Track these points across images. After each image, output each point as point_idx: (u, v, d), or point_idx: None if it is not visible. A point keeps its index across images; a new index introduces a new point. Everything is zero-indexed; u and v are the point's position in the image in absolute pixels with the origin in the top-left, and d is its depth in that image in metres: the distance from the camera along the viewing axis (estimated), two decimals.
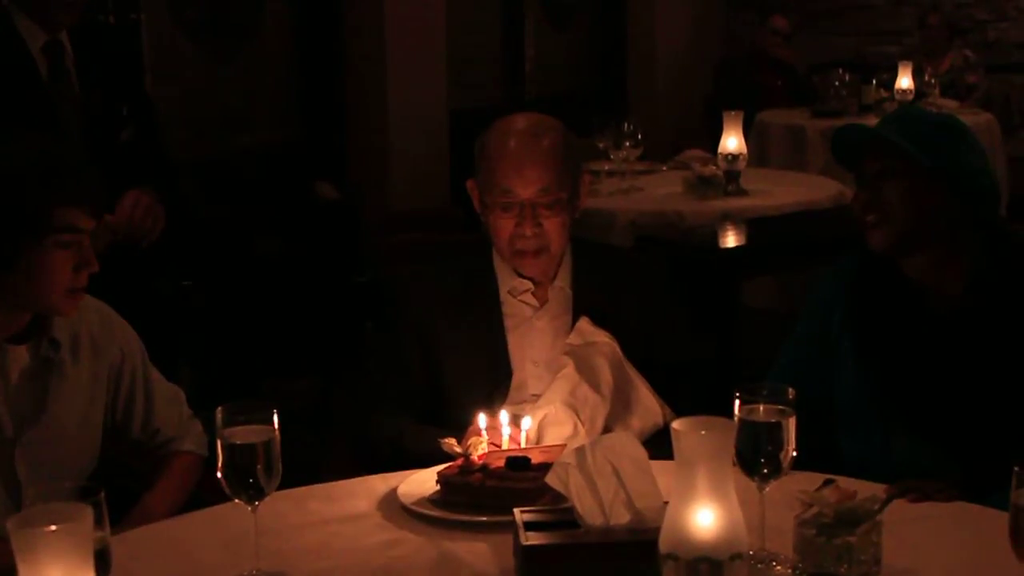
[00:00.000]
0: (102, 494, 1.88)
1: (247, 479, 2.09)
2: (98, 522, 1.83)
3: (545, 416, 2.75)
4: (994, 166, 7.83)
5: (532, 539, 2.09)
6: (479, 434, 2.55)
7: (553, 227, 2.93)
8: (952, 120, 2.84)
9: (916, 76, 7.98)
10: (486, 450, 2.51)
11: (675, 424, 1.73)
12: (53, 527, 1.65)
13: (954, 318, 2.71)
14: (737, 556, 1.71)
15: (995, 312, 2.69)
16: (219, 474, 2.10)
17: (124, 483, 2.72)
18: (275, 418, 2.10)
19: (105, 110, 3.69)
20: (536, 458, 2.44)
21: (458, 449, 2.50)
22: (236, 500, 2.12)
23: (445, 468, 2.48)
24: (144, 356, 2.81)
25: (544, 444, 2.65)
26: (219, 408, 2.11)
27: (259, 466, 2.08)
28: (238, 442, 2.09)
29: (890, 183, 2.71)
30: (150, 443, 2.81)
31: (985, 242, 2.74)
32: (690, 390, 2.90)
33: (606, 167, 5.86)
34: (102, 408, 2.73)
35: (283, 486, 2.17)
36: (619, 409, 2.85)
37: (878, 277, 2.80)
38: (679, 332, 3.05)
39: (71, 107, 3.62)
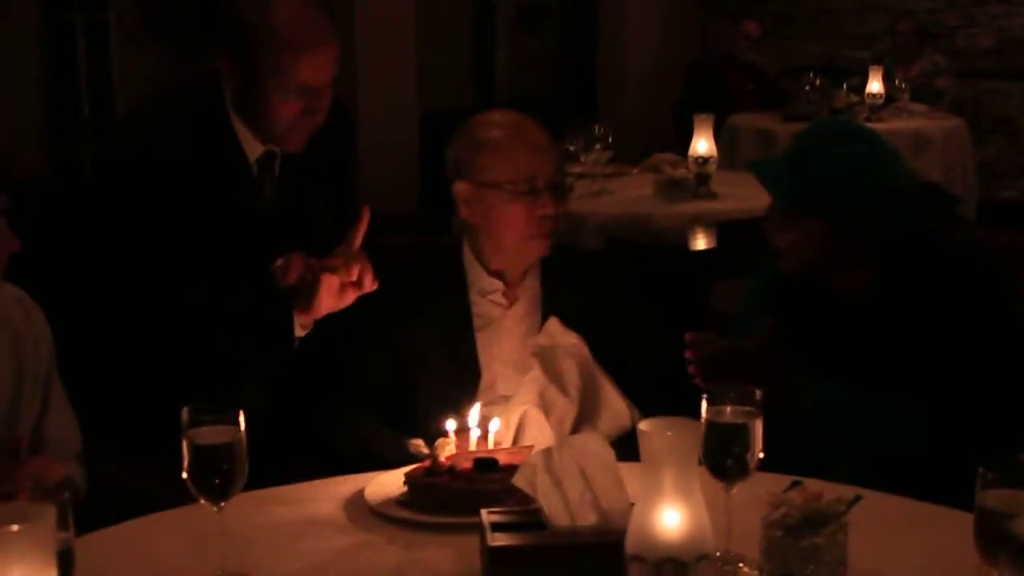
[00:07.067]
0: (67, 494, 1.86)
1: (212, 480, 2.07)
2: (62, 523, 1.81)
3: (523, 416, 2.76)
4: (963, 172, 7.86)
5: (498, 540, 2.08)
6: (447, 436, 2.55)
7: (563, 207, 2.97)
8: (858, 157, 2.78)
9: (886, 80, 8.00)
10: (453, 451, 2.51)
11: (641, 425, 1.72)
12: (15, 527, 1.63)
13: (867, 318, 2.76)
14: (703, 557, 1.70)
15: (906, 311, 2.72)
16: (184, 474, 2.08)
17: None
18: (241, 419, 2.09)
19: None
20: (503, 459, 2.44)
21: (425, 450, 2.50)
22: (201, 500, 2.10)
23: (412, 469, 2.47)
24: (53, 361, 2.68)
25: (513, 446, 2.65)
26: (185, 408, 2.09)
27: (224, 467, 2.07)
28: (203, 443, 2.07)
29: (793, 226, 2.80)
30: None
31: (907, 243, 2.76)
32: (658, 392, 2.90)
33: (576, 170, 5.86)
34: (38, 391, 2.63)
35: (248, 487, 2.15)
36: (587, 411, 2.85)
37: (797, 282, 2.86)
38: (648, 335, 3.05)
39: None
